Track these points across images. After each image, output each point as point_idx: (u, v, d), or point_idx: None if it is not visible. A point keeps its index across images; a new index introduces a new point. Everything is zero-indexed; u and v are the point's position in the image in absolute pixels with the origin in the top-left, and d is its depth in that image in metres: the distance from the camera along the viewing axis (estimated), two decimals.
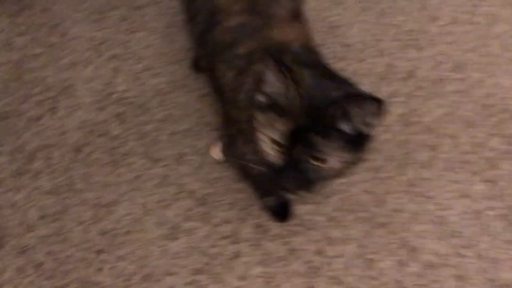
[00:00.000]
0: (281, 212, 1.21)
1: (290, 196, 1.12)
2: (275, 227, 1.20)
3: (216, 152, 1.24)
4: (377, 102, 0.68)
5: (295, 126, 0.71)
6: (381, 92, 1.38)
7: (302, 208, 1.22)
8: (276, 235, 1.19)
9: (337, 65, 1.42)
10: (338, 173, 0.77)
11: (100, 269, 1.16)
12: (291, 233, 1.19)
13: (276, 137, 0.73)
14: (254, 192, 1.21)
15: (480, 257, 1.15)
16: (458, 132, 1.32)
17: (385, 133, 1.31)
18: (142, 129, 1.34)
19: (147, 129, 1.34)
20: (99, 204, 1.24)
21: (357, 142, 0.74)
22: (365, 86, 1.35)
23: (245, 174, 1.10)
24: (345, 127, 0.71)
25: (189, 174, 1.27)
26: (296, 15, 1.00)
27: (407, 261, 1.15)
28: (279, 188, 0.87)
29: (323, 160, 0.73)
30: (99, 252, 1.18)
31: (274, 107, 0.74)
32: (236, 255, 1.16)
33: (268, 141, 0.75)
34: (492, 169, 1.27)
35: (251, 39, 0.93)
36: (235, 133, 0.98)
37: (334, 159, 0.73)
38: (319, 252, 1.16)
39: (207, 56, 1.05)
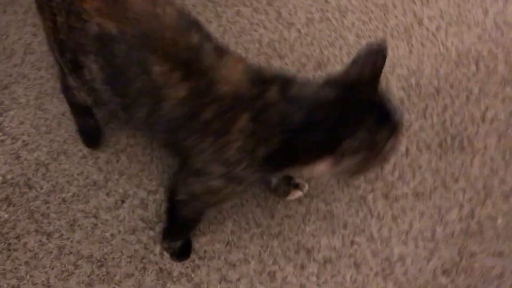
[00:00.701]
0: (183, 251, 1.23)
1: None
2: (177, 267, 1.21)
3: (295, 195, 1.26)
4: None
5: None
6: None
7: (200, 240, 1.24)
8: (180, 275, 1.20)
9: None
10: None
11: None
12: (194, 269, 1.21)
13: None
14: (162, 238, 1.22)
15: (372, 239, 1.21)
16: None
17: None
18: (31, 206, 1.33)
19: (36, 204, 1.33)
20: None
21: None
22: None
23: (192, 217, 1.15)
24: None
25: (84, 238, 1.27)
26: (221, 51, 0.97)
27: (305, 263, 1.19)
28: None
29: None
30: None
31: None
32: None
33: None
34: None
35: (207, 100, 0.91)
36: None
37: None
38: (223, 279, 1.19)
39: (159, 134, 1.05)
